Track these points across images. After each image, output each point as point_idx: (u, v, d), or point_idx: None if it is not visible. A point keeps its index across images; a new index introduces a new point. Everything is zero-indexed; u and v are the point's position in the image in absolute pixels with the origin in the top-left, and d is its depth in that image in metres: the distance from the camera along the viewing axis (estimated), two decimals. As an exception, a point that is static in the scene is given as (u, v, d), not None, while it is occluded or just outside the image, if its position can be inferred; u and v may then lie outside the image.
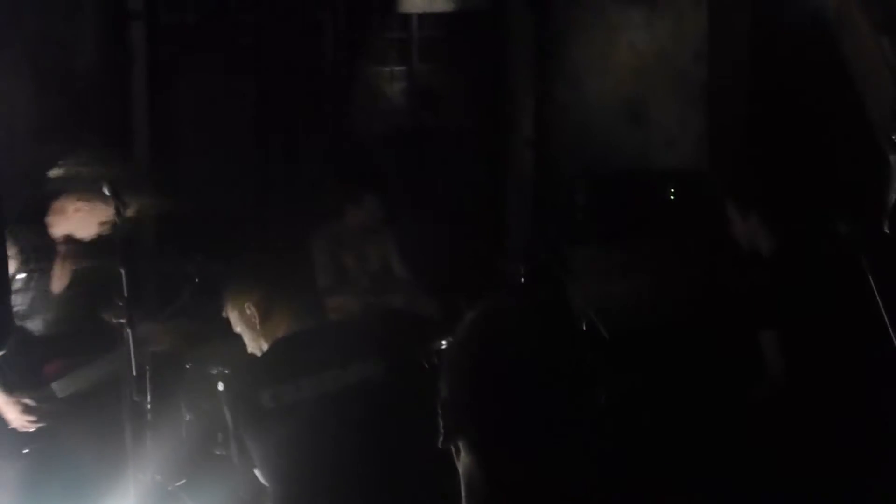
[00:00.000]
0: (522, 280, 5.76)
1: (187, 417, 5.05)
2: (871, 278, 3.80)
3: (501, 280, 6.77)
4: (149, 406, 4.46)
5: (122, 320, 3.80)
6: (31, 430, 4.21)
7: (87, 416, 4.34)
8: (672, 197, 6.19)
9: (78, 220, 4.27)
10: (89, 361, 4.32)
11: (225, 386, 4.45)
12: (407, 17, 7.20)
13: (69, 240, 4.33)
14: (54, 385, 4.30)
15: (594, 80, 7.13)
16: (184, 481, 4.92)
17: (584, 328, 5.17)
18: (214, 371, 5.05)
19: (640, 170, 6.87)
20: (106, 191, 3.96)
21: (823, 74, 6.29)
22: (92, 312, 4.45)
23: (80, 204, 4.25)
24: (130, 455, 3.89)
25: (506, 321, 1.68)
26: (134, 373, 3.83)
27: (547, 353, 1.62)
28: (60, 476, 4.31)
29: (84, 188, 4.24)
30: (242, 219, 6.87)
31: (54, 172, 4.24)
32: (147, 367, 4.50)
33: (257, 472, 3.15)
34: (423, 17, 7.20)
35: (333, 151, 7.28)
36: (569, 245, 6.44)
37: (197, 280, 5.02)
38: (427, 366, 4.60)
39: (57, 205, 4.25)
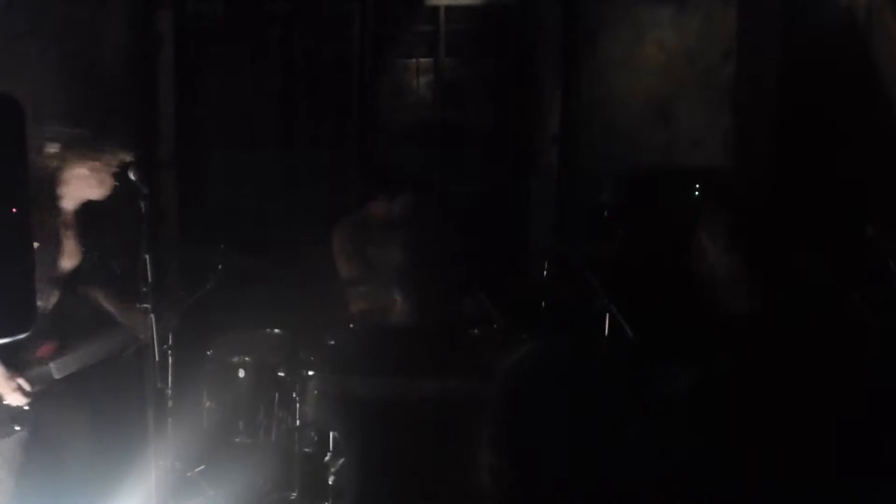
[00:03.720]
0: (545, 277, 5.75)
1: (208, 405, 5.06)
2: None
3: (525, 277, 6.76)
4: (169, 393, 4.48)
5: (146, 306, 3.80)
6: (25, 408, 4.17)
7: (86, 402, 4.32)
8: (697, 193, 6.14)
9: (94, 181, 4.23)
10: (86, 343, 4.30)
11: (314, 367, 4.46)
12: (434, 10, 7.19)
13: (82, 209, 4.28)
14: (52, 365, 4.28)
15: (621, 78, 7.10)
16: (203, 468, 4.94)
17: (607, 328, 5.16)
18: (235, 359, 5.07)
19: (665, 168, 6.83)
20: (132, 175, 3.97)
21: (853, 76, 6.25)
22: (92, 292, 4.45)
23: (94, 164, 4.21)
24: (151, 441, 3.90)
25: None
26: (157, 359, 3.84)
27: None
28: (46, 460, 4.29)
29: (90, 150, 4.21)
30: (267, 209, 6.88)
31: (54, 147, 4.19)
32: (169, 355, 4.53)
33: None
34: (450, 10, 7.19)
35: (357, 144, 7.28)
36: (593, 243, 6.42)
37: (220, 268, 5.04)
38: None
39: (69, 173, 4.20)
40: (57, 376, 4.28)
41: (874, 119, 6.11)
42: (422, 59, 7.31)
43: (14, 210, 2.47)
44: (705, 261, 4.23)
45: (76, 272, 4.33)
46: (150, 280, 3.76)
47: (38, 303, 4.21)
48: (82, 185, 4.20)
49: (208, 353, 5.14)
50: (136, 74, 6.84)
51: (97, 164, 4.21)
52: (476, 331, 5.04)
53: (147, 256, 3.80)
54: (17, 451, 4.22)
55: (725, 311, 4.04)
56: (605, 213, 6.56)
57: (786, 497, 3.39)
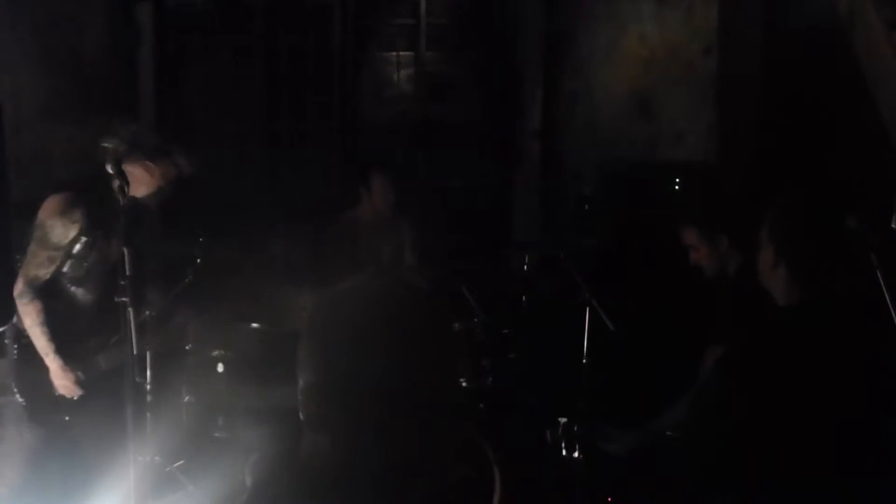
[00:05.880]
0: (527, 271, 5.74)
1: (186, 399, 5.04)
2: (879, 274, 3.78)
3: (507, 271, 6.76)
4: (149, 387, 4.46)
5: (125, 299, 3.77)
6: (75, 398, 4.20)
7: (101, 397, 4.32)
8: (677, 187, 6.15)
9: (144, 180, 4.25)
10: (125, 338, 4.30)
11: None
12: (415, 4, 7.18)
13: (133, 203, 4.28)
14: (100, 357, 4.29)
15: (603, 72, 7.10)
16: (182, 462, 4.91)
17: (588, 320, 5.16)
18: (214, 353, 5.05)
19: (647, 162, 6.84)
20: (110, 169, 3.94)
21: (835, 71, 6.26)
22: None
23: (148, 164, 4.23)
24: (131, 436, 3.87)
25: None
26: (135, 353, 3.80)
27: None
28: (65, 453, 4.29)
29: (149, 150, 4.23)
30: (248, 203, 6.86)
31: (112, 140, 4.19)
32: (148, 348, 4.51)
33: None
34: (432, 4, 7.18)
35: (339, 138, 7.27)
36: (575, 236, 6.42)
37: (199, 261, 5.02)
38: None
39: (127, 167, 4.19)
40: (104, 368, 4.29)
41: (856, 111, 6.12)
42: (403, 53, 7.30)
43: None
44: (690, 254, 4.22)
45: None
46: (128, 273, 3.72)
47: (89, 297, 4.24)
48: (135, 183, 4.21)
49: (187, 347, 5.12)
50: (117, 68, 6.80)
51: (152, 165, 4.24)
52: (456, 325, 5.03)
53: (126, 250, 3.76)
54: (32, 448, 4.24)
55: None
56: (586, 206, 6.56)
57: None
